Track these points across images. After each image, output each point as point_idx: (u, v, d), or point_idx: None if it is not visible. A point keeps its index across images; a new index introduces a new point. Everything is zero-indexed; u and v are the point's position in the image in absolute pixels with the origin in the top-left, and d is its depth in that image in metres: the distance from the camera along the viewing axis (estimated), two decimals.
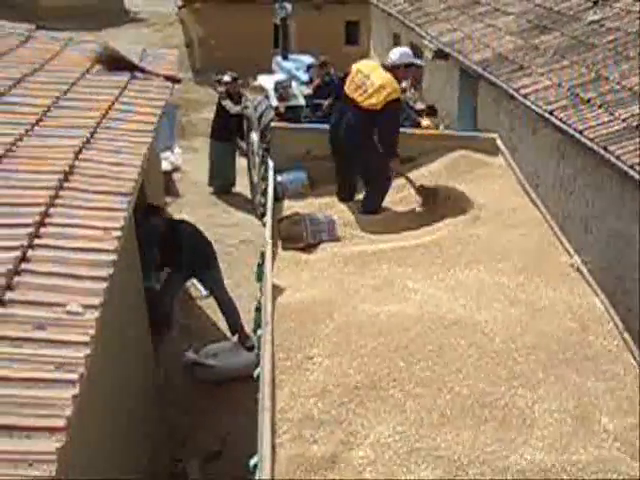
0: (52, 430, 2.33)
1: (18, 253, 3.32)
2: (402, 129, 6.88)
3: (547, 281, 5.21)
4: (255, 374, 4.84)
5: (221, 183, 12.75)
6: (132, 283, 6.53)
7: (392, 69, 6.47)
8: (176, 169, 13.36)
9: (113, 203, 4.15)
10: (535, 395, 4.11)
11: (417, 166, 7.10)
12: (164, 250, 7.88)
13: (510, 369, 4.28)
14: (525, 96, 8.28)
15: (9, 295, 3.08)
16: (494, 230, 5.89)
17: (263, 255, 5.85)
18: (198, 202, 12.34)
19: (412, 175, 6.91)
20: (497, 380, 4.19)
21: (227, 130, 12.27)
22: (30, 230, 3.55)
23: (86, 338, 2.82)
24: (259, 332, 5.32)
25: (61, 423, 2.36)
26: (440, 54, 11.35)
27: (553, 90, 8.11)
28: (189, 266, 8.03)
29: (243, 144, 12.70)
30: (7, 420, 2.39)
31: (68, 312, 2.97)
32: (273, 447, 3.71)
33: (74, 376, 2.60)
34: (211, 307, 8.96)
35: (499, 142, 7.17)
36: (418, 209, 6.62)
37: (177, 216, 11.57)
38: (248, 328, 7.76)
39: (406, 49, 6.81)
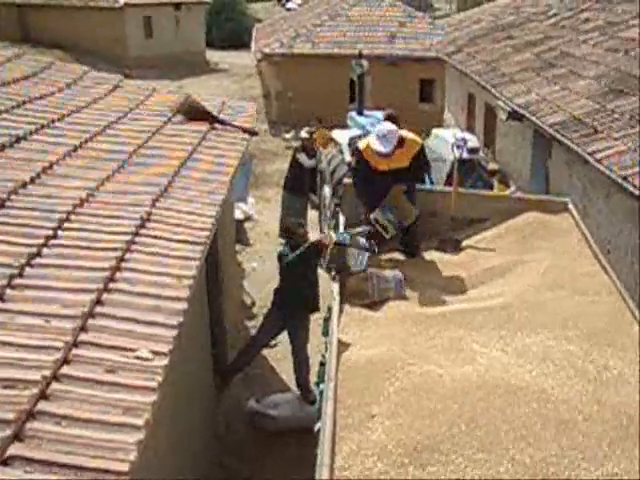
0: (116, 474, 2.39)
1: (94, 296, 3.43)
2: (474, 190, 6.96)
3: (617, 351, 5.09)
4: (315, 428, 4.84)
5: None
6: (200, 331, 6.62)
7: None
8: (248, 218, 13.56)
9: (187, 252, 4.25)
10: (600, 470, 4.00)
11: (485, 228, 7.09)
12: None
13: (574, 440, 4.18)
14: (599, 160, 8.19)
15: (83, 337, 3.18)
16: (563, 296, 5.81)
17: (330, 310, 5.89)
18: (268, 252, 12.42)
19: (480, 237, 6.93)
20: (561, 451, 4.09)
21: (300, 183, 12.44)
22: (106, 274, 3.67)
23: (154, 384, 2.89)
24: (322, 386, 5.34)
25: (125, 467, 2.41)
26: (514, 115, 11.34)
27: (628, 155, 8.00)
28: (296, 309, 7.89)
29: (315, 198, 12.84)
30: (74, 460, 2.45)
31: (138, 357, 3.04)
32: None
33: (140, 421, 2.65)
34: (273, 357, 8.99)
35: (571, 206, 7.11)
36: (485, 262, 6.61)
37: (246, 266, 11.76)
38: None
39: (383, 130, 6.86)
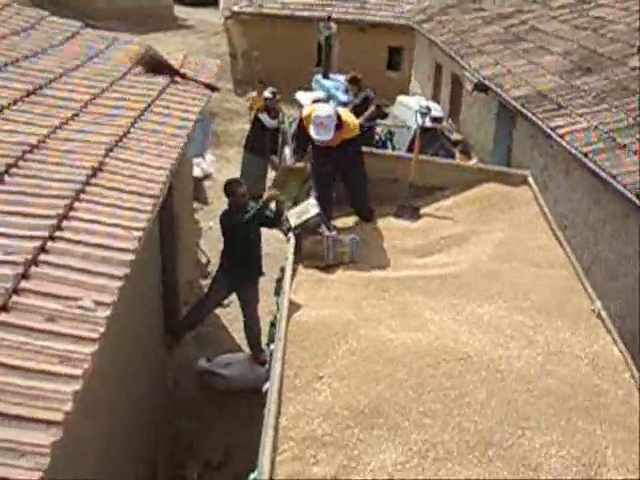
0: (49, 423, 2.31)
1: (38, 243, 3.33)
2: (434, 158, 6.93)
3: (566, 324, 5.13)
4: (264, 389, 4.81)
5: (250, 194, 12.75)
6: (150, 286, 6.53)
7: None
8: (207, 176, 13.42)
9: (138, 204, 4.15)
10: (543, 439, 4.02)
11: (445, 197, 7.07)
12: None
13: (520, 410, 4.21)
14: (561, 136, 8.21)
15: (24, 284, 3.08)
16: (517, 267, 5.83)
17: (283, 270, 5.83)
18: None
19: (439, 205, 6.92)
20: (505, 420, 4.11)
21: (261, 143, 12.33)
22: (52, 222, 3.56)
23: (95, 335, 2.81)
24: (271, 347, 5.30)
25: (59, 417, 2.34)
26: (480, 87, 11.31)
27: (590, 132, 8.02)
28: (243, 276, 7.90)
29: (276, 158, 12.74)
30: (6, 408, 2.38)
31: (80, 307, 2.96)
32: (273, 464, 3.67)
33: (78, 371, 2.58)
34: (227, 317, 8.94)
35: (530, 179, 7.12)
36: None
37: (204, 224, 11.64)
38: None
39: (321, 112, 6.56)
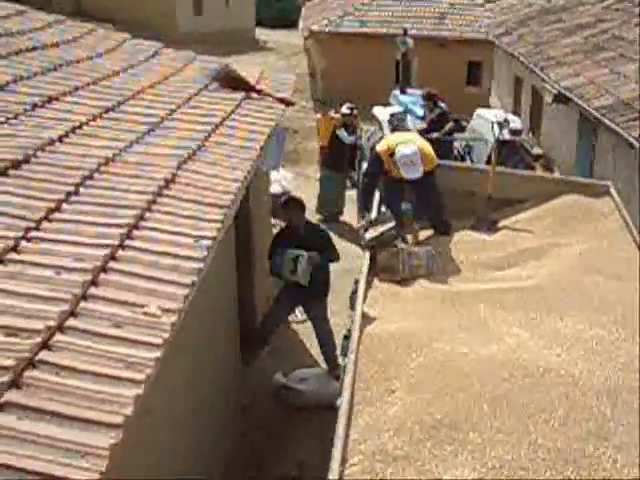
0: (109, 426, 2.33)
1: (108, 251, 3.38)
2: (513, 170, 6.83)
3: None
4: (337, 403, 4.77)
5: (329, 211, 12.80)
6: (225, 297, 6.57)
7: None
8: (285, 193, 13.50)
9: (209, 214, 4.18)
10: (625, 459, 3.83)
11: (524, 209, 6.92)
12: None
13: (600, 427, 4.02)
14: None
15: (93, 291, 3.12)
16: (598, 280, 5.63)
17: (357, 283, 5.80)
18: None
19: (518, 217, 6.77)
20: (585, 437, 3.94)
21: (340, 160, 12.35)
22: (123, 231, 3.61)
23: (159, 340, 2.82)
24: (345, 360, 5.26)
25: (119, 420, 2.35)
26: (560, 98, 11.07)
27: None
28: (305, 293, 7.85)
29: (354, 174, 12.75)
30: (69, 410, 2.41)
31: (146, 313, 2.98)
32: (341, 477, 3.61)
33: (141, 376, 2.59)
34: (304, 332, 8.93)
35: (613, 190, 6.89)
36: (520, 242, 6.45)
37: None
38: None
39: (409, 156, 6.60)
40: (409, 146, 6.59)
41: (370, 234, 6.26)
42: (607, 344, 4.80)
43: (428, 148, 6.77)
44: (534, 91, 14.01)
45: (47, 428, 2.34)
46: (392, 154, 6.58)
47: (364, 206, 6.86)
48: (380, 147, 6.94)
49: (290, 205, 7.79)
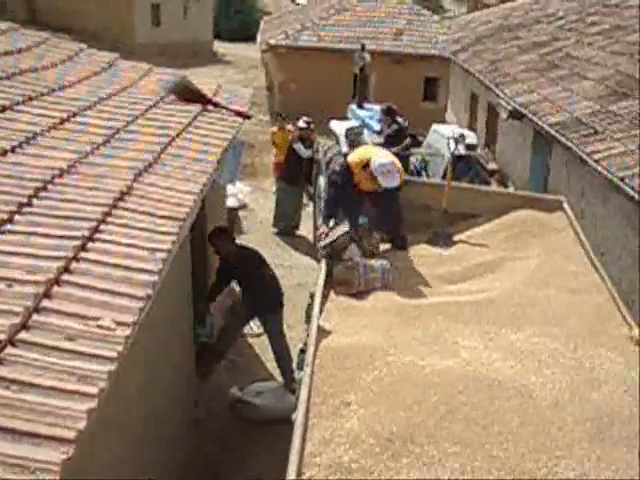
0: (61, 441, 2.28)
1: (61, 263, 3.33)
2: (469, 185, 6.89)
3: (603, 351, 4.98)
4: (293, 417, 4.75)
5: (285, 225, 12.81)
6: (180, 310, 6.52)
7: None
8: (243, 207, 13.50)
9: (165, 227, 4.15)
10: (578, 470, 3.88)
11: (478, 223, 6.99)
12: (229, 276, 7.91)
13: (554, 438, 4.07)
14: (597, 161, 8.09)
15: (46, 303, 3.08)
16: (552, 293, 5.71)
17: (312, 297, 5.79)
18: (261, 241, 12.38)
19: (472, 232, 6.84)
20: (539, 448, 3.98)
21: (296, 173, 12.38)
22: (77, 243, 3.56)
23: (113, 354, 2.78)
24: (300, 374, 5.24)
25: (71, 435, 2.31)
26: (515, 114, 11.24)
27: (627, 157, 7.89)
28: (258, 307, 7.97)
29: (311, 188, 12.78)
30: (20, 425, 2.36)
31: (100, 326, 2.94)
32: None
33: (94, 390, 2.55)
34: (260, 345, 8.90)
35: (566, 205, 7.00)
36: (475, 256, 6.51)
37: None
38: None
39: (385, 167, 6.57)
40: (385, 156, 6.65)
41: (324, 241, 6.28)
42: (560, 356, 4.86)
43: (397, 162, 6.81)
44: (490, 107, 14.21)
45: None
46: (365, 165, 6.57)
47: (328, 216, 6.82)
48: (352, 158, 6.91)
49: (214, 236, 7.82)
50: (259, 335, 8.90)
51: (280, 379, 8.27)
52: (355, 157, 6.89)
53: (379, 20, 22.54)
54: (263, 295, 7.82)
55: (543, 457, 3.93)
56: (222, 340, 8.11)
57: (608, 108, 9.43)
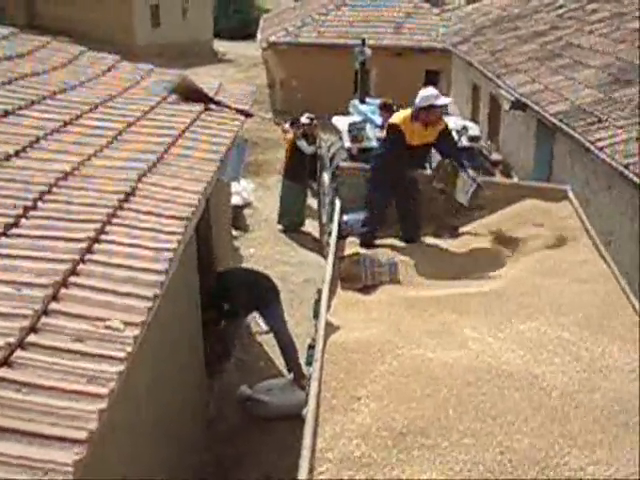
0: (73, 441, 2.29)
1: (68, 266, 3.34)
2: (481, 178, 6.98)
3: (612, 339, 4.97)
4: (304, 413, 4.75)
5: (290, 221, 12.82)
6: (188, 309, 6.53)
7: (417, 112, 6.53)
8: (247, 204, 13.51)
9: (170, 226, 4.15)
10: (590, 458, 3.87)
11: (484, 214, 6.98)
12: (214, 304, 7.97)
13: (565, 427, 4.07)
14: (601, 149, 8.06)
15: (54, 306, 3.09)
16: (559, 282, 5.70)
17: (320, 292, 5.79)
18: (266, 238, 12.42)
19: (478, 223, 6.83)
20: (550, 438, 3.98)
21: (300, 170, 12.37)
22: (83, 245, 3.57)
23: (122, 354, 2.79)
24: (310, 369, 5.24)
25: (83, 436, 2.32)
26: (517, 105, 11.20)
27: (630, 144, 7.86)
28: (246, 307, 8.07)
29: (315, 184, 12.77)
30: (32, 427, 2.37)
31: (108, 327, 2.95)
32: None
33: (104, 390, 2.56)
34: (269, 343, 8.91)
35: (571, 194, 6.98)
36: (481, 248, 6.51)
37: (244, 251, 11.70)
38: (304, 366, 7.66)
39: (429, 92, 6.64)
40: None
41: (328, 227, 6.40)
42: (569, 345, 4.86)
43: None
44: (492, 98, 14.17)
45: (9, 446, 2.31)
46: (414, 116, 6.55)
47: (377, 206, 6.87)
48: (396, 119, 6.79)
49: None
50: (267, 332, 8.91)
51: (289, 375, 8.27)
52: (399, 115, 6.81)
53: (378, 14, 22.50)
54: (247, 291, 7.87)
55: (554, 446, 3.92)
56: (225, 340, 8.16)
57: (610, 96, 9.40)
